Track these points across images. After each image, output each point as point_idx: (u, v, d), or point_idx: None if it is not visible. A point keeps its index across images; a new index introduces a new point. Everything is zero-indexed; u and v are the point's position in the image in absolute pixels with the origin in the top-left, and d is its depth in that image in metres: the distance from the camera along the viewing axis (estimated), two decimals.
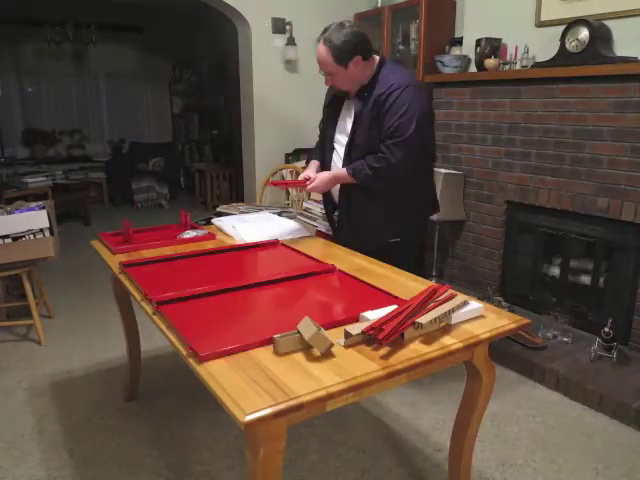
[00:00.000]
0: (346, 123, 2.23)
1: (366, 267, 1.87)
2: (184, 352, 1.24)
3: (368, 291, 1.64)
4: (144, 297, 1.58)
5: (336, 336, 1.33)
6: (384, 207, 2.22)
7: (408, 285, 1.69)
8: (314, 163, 2.44)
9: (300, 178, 2.32)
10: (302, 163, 4.29)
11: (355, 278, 1.73)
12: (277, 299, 1.62)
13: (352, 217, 2.29)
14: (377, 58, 2.14)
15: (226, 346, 1.23)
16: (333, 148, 2.32)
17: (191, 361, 1.21)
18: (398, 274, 1.82)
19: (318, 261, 1.91)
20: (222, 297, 1.57)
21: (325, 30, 2.03)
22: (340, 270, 1.80)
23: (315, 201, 2.90)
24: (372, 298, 1.57)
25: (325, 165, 2.37)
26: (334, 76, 2.08)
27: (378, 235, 2.25)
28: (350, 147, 2.19)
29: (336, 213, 2.42)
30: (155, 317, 1.46)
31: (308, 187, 2.18)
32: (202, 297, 1.56)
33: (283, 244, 2.16)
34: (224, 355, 1.22)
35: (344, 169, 2.17)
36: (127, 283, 1.73)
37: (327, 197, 2.46)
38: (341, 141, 2.27)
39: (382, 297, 1.56)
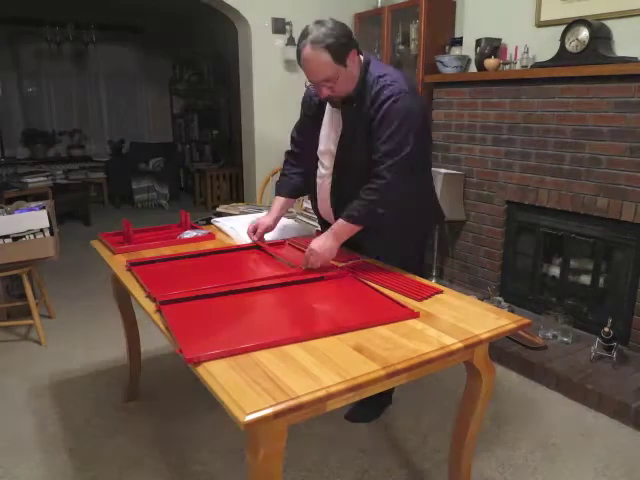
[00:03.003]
0: (331, 135, 1.93)
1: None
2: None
3: (369, 293, 1.63)
4: (147, 294, 1.58)
5: (335, 342, 1.33)
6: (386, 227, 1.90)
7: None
8: (279, 203, 2.09)
9: (259, 227, 2.03)
10: None
11: (359, 280, 1.73)
12: (277, 301, 1.61)
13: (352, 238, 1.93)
14: (360, 57, 1.83)
15: (217, 349, 1.22)
16: (317, 166, 2.03)
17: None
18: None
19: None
20: (224, 299, 1.56)
21: (305, 34, 1.70)
22: (343, 271, 1.80)
23: None
24: (375, 302, 1.57)
25: (307, 186, 2.11)
26: (335, 81, 1.73)
27: (379, 252, 1.96)
28: (340, 164, 1.91)
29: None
30: (155, 316, 1.46)
31: (309, 265, 1.78)
32: (204, 298, 1.56)
33: (291, 244, 2.14)
34: (213, 359, 1.20)
35: (340, 221, 1.81)
36: (127, 282, 1.73)
37: (317, 212, 2.18)
38: (327, 156, 1.97)
39: (386, 302, 1.56)
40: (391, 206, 1.78)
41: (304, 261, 1.79)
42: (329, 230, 1.83)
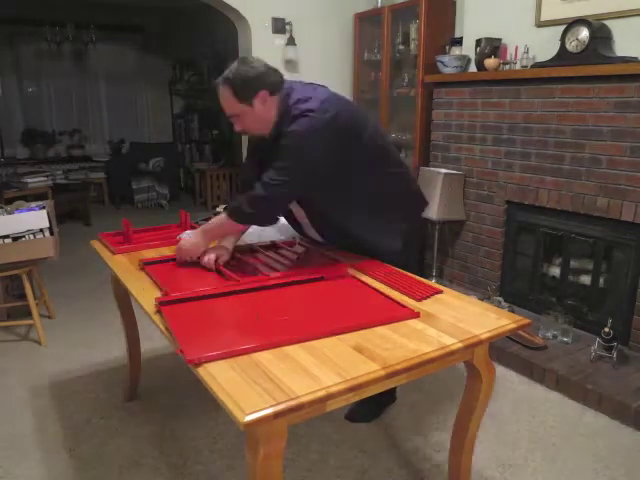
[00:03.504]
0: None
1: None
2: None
3: (369, 293, 1.63)
4: (164, 293, 1.58)
5: (335, 342, 1.33)
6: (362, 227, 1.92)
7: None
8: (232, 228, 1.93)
9: (219, 258, 1.87)
10: None
11: (359, 280, 1.73)
12: (277, 301, 1.61)
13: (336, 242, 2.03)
14: (285, 89, 1.78)
15: (217, 350, 1.22)
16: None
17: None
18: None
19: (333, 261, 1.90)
20: (224, 299, 1.56)
21: (225, 70, 1.74)
22: (342, 271, 1.80)
23: None
24: (376, 302, 1.57)
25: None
26: (240, 118, 1.77)
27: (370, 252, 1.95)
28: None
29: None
30: (155, 317, 1.46)
31: (181, 260, 1.85)
32: (204, 299, 1.55)
33: (301, 243, 2.14)
34: (213, 360, 1.20)
35: (219, 217, 1.86)
36: (128, 283, 1.73)
37: (292, 222, 2.15)
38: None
39: (387, 302, 1.56)
40: (260, 212, 1.80)
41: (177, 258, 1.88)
42: (200, 227, 1.92)
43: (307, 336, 1.32)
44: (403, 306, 1.50)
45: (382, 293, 1.60)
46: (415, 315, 1.45)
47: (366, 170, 1.89)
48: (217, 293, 1.58)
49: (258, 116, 1.76)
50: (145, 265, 1.84)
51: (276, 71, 1.78)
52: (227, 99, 1.74)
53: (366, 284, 1.68)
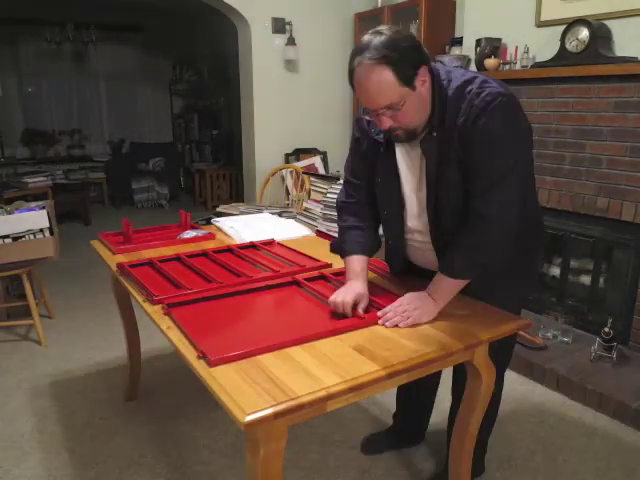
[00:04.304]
0: (410, 179, 1.51)
1: None
2: (187, 355, 1.24)
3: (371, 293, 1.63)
4: (146, 298, 1.58)
5: (336, 342, 1.33)
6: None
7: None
8: (359, 262, 1.57)
9: (336, 304, 1.43)
10: (302, 163, 4.30)
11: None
12: (279, 302, 1.61)
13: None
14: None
15: (235, 351, 1.22)
16: (401, 212, 1.58)
17: (196, 364, 1.21)
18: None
19: (318, 261, 1.90)
20: (231, 300, 1.57)
21: (361, 47, 1.27)
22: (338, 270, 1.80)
23: (315, 201, 2.90)
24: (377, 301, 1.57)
25: (380, 237, 1.69)
26: (400, 109, 1.31)
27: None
28: (434, 208, 1.48)
29: None
30: (156, 316, 1.46)
31: (408, 323, 1.39)
32: (209, 300, 1.56)
33: (279, 244, 2.16)
34: (233, 361, 1.20)
35: (441, 277, 1.45)
36: (128, 283, 1.74)
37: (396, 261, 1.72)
38: (412, 199, 1.54)
39: (385, 295, 1.56)
40: (495, 248, 1.42)
41: (386, 316, 1.41)
42: (429, 290, 1.46)
43: (319, 335, 1.33)
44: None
45: (385, 289, 1.61)
46: None
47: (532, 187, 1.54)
48: (223, 294, 1.59)
49: (421, 101, 1.34)
50: (130, 268, 1.81)
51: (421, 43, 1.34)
52: (385, 86, 1.27)
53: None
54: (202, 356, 1.21)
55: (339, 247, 1.66)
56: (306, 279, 1.70)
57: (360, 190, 1.65)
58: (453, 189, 1.42)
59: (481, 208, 1.37)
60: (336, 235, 2.30)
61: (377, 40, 1.25)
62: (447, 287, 1.45)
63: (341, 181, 2.79)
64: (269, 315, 1.53)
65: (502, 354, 1.64)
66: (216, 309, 1.50)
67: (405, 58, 1.26)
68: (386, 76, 1.25)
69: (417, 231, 1.57)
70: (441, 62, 3.41)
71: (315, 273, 1.77)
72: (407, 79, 1.27)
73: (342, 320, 1.41)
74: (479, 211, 1.38)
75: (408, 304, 1.42)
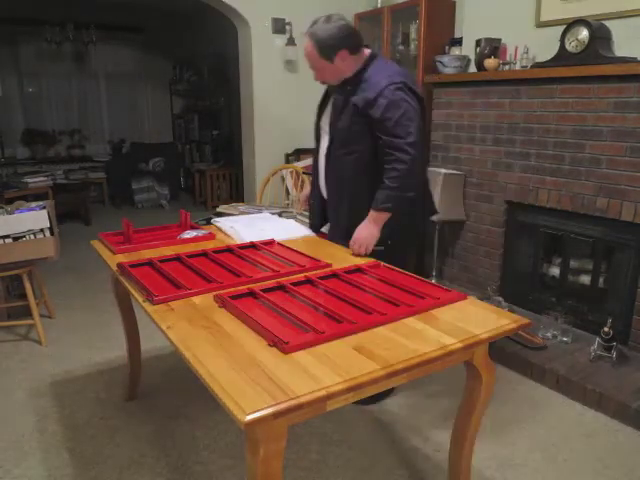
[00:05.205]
0: (327, 117, 2.19)
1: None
2: (187, 355, 1.24)
3: (371, 293, 1.64)
4: (146, 298, 1.58)
5: (335, 342, 1.33)
6: (367, 209, 2.07)
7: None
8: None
9: (302, 197, 2.39)
10: (302, 163, 4.29)
11: (348, 281, 1.73)
12: (281, 302, 1.61)
13: (339, 218, 2.21)
14: (367, 52, 2.06)
15: (303, 340, 1.28)
16: (319, 138, 2.28)
17: (196, 364, 1.21)
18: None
19: (318, 261, 1.90)
20: (272, 295, 1.60)
21: (313, 23, 1.99)
22: (337, 270, 1.81)
23: None
24: (377, 301, 1.57)
25: (315, 156, 2.34)
26: (321, 70, 2.05)
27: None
28: (330, 143, 2.15)
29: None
30: (156, 315, 1.46)
31: (356, 252, 2.03)
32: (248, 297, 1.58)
33: (279, 244, 2.16)
34: (304, 348, 1.26)
35: (371, 211, 2.04)
36: (128, 283, 1.74)
37: (315, 193, 2.37)
38: (324, 138, 2.22)
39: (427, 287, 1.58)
40: (414, 188, 2.01)
41: (353, 250, 2.03)
42: (367, 219, 2.05)
43: (368, 325, 1.38)
44: (449, 290, 1.60)
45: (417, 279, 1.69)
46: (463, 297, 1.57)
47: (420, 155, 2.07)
48: (260, 290, 1.61)
49: (337, 71, 2.03)
50: (130, 268, 1.81)
51: (357, 34, 2.02)
52: (310, 54, 2.01)
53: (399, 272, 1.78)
54: (278, 342, 1.26)
55: None
56: (319, 276, 1.70)
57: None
58: (348, 124, 2.04)
59: (399, 155, 1.94)
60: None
61: (321, 23, 1.97)
62: (381, 217, 2.04)
63: None
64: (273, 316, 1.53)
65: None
66: (253, 304, 1.54)
67: (328, 41, 1.95)
68: (311, 48, 2.00)
69: (322, 150, 2.21)
70: (441, 62, 3.42)
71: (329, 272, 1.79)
72: (325, 54, 1.98)
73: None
74: (399, 158, 1.94)
75: (364, 238, 2.02)
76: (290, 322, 1.41)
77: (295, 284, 1.67)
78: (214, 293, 1.59)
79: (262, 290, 1.60)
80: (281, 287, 1.65)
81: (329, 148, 2.15)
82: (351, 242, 2.04)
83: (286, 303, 1.53)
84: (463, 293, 1.61)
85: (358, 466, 1.99)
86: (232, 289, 1.62)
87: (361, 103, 1.98)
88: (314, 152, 2.36)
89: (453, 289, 1.64)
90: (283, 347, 1.24)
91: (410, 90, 1.98)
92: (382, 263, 1.90)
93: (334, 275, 1.77)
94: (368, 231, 2.03)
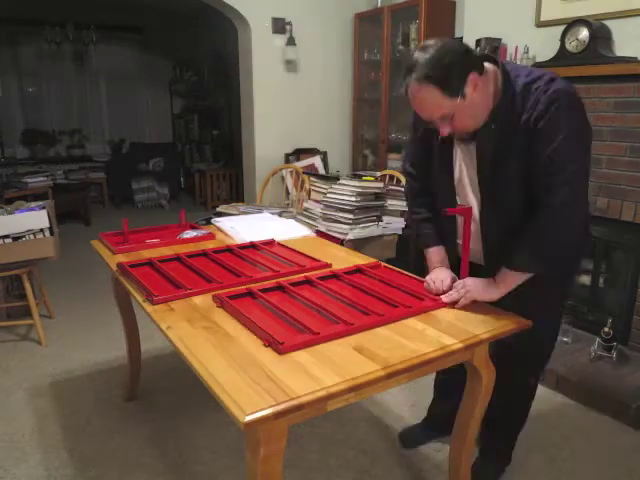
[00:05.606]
0: (467, 172, 1.57)
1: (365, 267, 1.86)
2: (187, 354, 1.24)
3: (371, 294, 1.64)
4: (146, 298, 1.58)
5: (336, 342, 1.33)
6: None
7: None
8: (438, 254, 1.71)
9: (435, 289, 1.60)
10: (302, 163, 4.30)
11: (350, 282, 1.73)
12: (279, 302, 1.61)
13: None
14: (491, 68, 1.43)
15: (297, 340, 1.28)
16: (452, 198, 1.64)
17: (196, 364, 1.21)
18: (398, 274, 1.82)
19: (318, 261, 1.90)
20: (269, 295, 1.60)
21: (409, 68, 1.35)
22: (337, 270, 1.80)
23: (315, 201, 2.90)
24: (376, 302, 1.57)
25: (444, 230, 1.73)
26: (453, 118, 1.40)
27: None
28: (486, 206, 1.55)
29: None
30: (156, 316, 1.46)
31: (467, 298, 1.53)
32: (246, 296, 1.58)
33: (279, 244, 2.16)
34: (300, 349, 1.26)
35: (505, 270, 1.50)
36: (128, 283, 1.74)
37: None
38: (469, 197, 1.59)
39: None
40: (563, 244, 1.46)
41: (451, 296, 1.55)
42: (497, 278, 1.52)
43: (361, 327, 1.38)
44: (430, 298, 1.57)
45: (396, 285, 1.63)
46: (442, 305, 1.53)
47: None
48: (257, 290, 1.60)
49: (474, 107, 1.40)
50: (130, 268, 1.81)
51: (469, 47, 1.41)
52: (433, 101, 1.36)
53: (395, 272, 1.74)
54: (273, 342, 1.26)
55: (418, 241, 1.78)
56: (320, 278, 1.70)
57: (420, 179, 1.77)
58: (507, 180, 1.47)
59: (546, 199, 1.41)
60: (336, 235, 2.38)
61: (422, 59, 1.33)
62: (511, 278, 1.50)
63: (341, 181, 2.81)
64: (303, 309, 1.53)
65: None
66: (251, 304, 1.54)
67: (449, 73, 1.33)
68: (433, 93, 1.34)
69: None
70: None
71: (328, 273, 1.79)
72: (454, 91, 1.35)
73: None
74: (544, 202, 1.42)
75: (470, 285, 1.54)
76: (287, 322, 1.41)
77: (294, 284, 1.67)
78: (213, 293, 1.59)
79: (261, 290, 1.60)
80: (280, 287, 1.65)
81: (486, 214, 1.56)
82: (461, 287, 1.55)
83: (284, 303, 1.53)
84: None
85: (358, 466, 1.99)
86: (232, 289, 1.62)
87: (521, 132, 1.40)
88: (424, 213, 1.76)
89: None
90: (278, 347, 1.24)
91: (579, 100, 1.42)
92: (382, 263, 1.90)
93: (334, 275, 1.77)
94: (492, 292, 1.53)
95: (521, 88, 1.40)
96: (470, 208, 1.41)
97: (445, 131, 1.43)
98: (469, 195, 1.59)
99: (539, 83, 1.38)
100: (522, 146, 1.41)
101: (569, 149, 1.37)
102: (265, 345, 1.27)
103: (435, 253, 1.72)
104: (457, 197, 1.62)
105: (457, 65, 1.34)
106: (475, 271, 1.60)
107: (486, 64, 1.43)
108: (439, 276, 1.63)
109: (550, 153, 1.37)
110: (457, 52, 1.35)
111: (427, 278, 1.65)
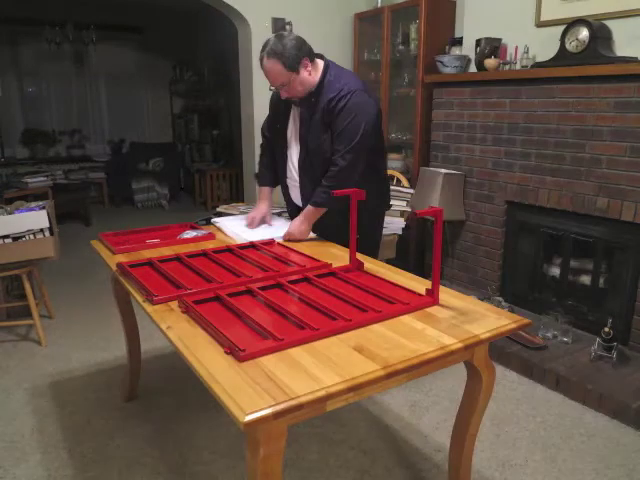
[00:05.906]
0: (296, 130, 2.23)
1: (366, 267, 1.86)
2: (187, 354, 1.24)
3: (381, 284, 1.63)
4: (146, 298, 1.58)
5: (335, 342, 1.33)
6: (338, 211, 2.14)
7: (409, 285, 1.68)
8: (265, 192, 2.44)
9: (248, 217, 2.36)
10: None
11: (348, 281, 1.73)
12: (280, 301, 1.61)
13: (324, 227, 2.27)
14: (321, 62, 2.13)
15: (265, 346, 1.25)
16: (286, 157, 2.32)
17: (196, 364, 1.21)
18: (398, 274, 1.82)
19: (318, 261, 1.90)
20: (242, 298, 1.58)
21: (265, 46, 2.01)
22: (337, 268, 1.80)
23: None
24: (378, 300, 1.57)
25: (279, 176, 2.40)
26: (288, 85, 2.06)
27: (338, 238, 2.18)
28: (304, 155, 2.21)
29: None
30: (156, 315, 1.46)
31: (285, 239, 2.19)
32: (218, 300, 1.56)
33: (279, 244, 2.16)
34: (265, 354, 1.23)
35: (308, 206, 2.17)
36: (128, 283, 1.74)
37: (289, 200, 2.48)
38: (293, 149, 2.28)
39: (401, 292, 1.56)
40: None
41: (285, 237, 2.20)
42: (301, 215, 2.20)
43: (339, 329, 1.36)
44: (419, 294, 1.56)
45: (393, 284, 1.64)
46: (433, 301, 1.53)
47: (377, 156, 2.25)
48: (233, 292, 1.59)
49: (303, 81, 2.06)
50: (130, 268, 1.80)
51: (308, 44, 2.07)
52: (275, 71, 2.01)
53: (377, 278, 1.70)
54: (234, 349, 1.22)
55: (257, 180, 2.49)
56: (317, 274, 1.70)
57: (269, 139, 2.44)
58: (315, 137, 2.14)
59: (338, 161, 2.09)
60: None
61: (273, 40, 2.00)
62: (314, 213, 2.18)
63: None
64: (272, 314, 1.53)
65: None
66: (227, 307, 1.51)
67: (289, 53, 1.98)
68: (277, 65, 2.00)
69: (293, 167, 2.30)
70: (441, 62, 3.42)
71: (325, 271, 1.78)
72: (291, 67, 2.00)
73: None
74: (335, 162, 2.10)
75: (291, 229, 2.20)
76: (251, 328, 1.38)
77: (264, 288, 1.65)
78: (178, 295, 1.58)
79: (230, 294, 1.57)
80: (249, 291, 1.63)
81: (303, 160, 2.23)
82: (287, 237, 2.19)
83: (279, 300, 1.53)
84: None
85: (358, 466, 1.99)
86: (198, 289, 1.60)
87: (324, 109, 2.08)
88: (266, 162, 2.45)
89: (453, 288, 1.63)
90: (238, 355, 1.20)
91: (368, 94, 2.10)
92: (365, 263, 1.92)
93: (331, 273, 1.77)
94: (304, 228, 2.19)
95: (330, 81, 2.09)
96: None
97: (283, 95, 2.11)
98: (294, 145, 2.26)
99: (342, 80, 2.08)
100: (325, 120, 2.09)
101: (352, 131, 2.05)
102: (226, 352, 1.24)
103: (265, 191, 2.45)
104: (287, 147, 2.29)
105: (295, 49, 1.99)
106: (298, 212, 2.28)
107: (318, 59, 2.12)
108: (259, 212, 2.39)
109: (340, 131, 2.07)
110: (298, 42, 2.01)
111: (248, 215, 2.40)
